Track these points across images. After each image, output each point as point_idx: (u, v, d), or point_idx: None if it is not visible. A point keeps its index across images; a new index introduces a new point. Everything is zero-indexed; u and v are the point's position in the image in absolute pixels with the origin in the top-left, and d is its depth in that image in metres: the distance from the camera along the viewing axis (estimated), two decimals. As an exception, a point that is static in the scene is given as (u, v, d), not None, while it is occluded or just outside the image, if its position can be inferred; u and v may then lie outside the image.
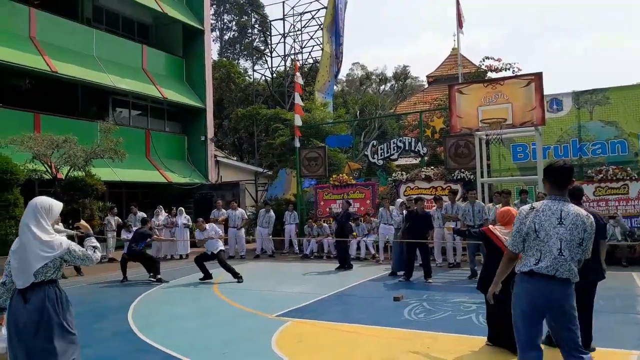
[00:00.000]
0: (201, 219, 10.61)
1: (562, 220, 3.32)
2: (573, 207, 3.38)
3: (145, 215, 14.94)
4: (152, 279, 10.03)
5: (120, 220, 14.49)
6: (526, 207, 3.49)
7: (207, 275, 9.87)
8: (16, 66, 15.20)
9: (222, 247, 10.18)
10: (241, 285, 9.44)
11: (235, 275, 9.75)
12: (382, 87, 34.81)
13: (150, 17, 22.27)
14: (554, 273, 3.28)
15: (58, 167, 14.10)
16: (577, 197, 4.87)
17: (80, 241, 3.90)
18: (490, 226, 5.39)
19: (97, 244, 3.75)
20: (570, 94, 13.08)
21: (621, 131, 12.54)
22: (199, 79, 22.33)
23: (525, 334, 3.37)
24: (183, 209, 15.04)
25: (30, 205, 3.55)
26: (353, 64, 38.01)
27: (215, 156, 22.32)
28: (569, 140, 12.98)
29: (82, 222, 4.00)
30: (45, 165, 13.90)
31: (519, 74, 14.40)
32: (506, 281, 3.71)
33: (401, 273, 9.85)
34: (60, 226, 11.33)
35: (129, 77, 19.16)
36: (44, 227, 3.45)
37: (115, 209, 15.11)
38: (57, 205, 3.62)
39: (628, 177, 11.29)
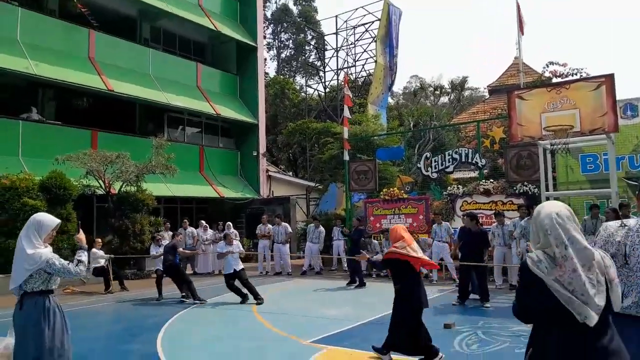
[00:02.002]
0: (234, 231, 10.29)
1: None
2: None
3: (194, 230, 14.93)
4: (185, 299, 9.68)
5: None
6: (615, 223, 2.70)
7: (243, 296, 9.35)
8: (74, 86, 15.76)
9: (242, 266, 9.60)
10: (282, 306, 8.96)
11: (256, 296, 9.21)
12: (440, 100, 33.78)
13: (205, 36, 22.70)
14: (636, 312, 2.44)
15: (111, 182, 14.39)
16: None
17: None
18: (390, 250, 5.29)
19: (84, 259, 3.93)
20: (648, 98, 11.75)
21: None
22: (252, 95, 22.43)
23: None
24: (231, 224, 14.85)
25: (28, 221, 3.86)
26: (411, 76, 37.32)
27: (267, 171, 22.22)
28: (646, 149, 11.63)
29: (80, 234, 4.12)
30: (99, 181, 14.21)
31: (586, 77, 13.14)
32: None
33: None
34: (100, 252, 11.44)
35: (184, 95, 19.48)
36: (31, 241, 3.70)
37: (169, 223, 15.21)
38: (49, 221, 3.84)
39: None
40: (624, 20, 64.98)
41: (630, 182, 11.74)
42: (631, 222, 2.65)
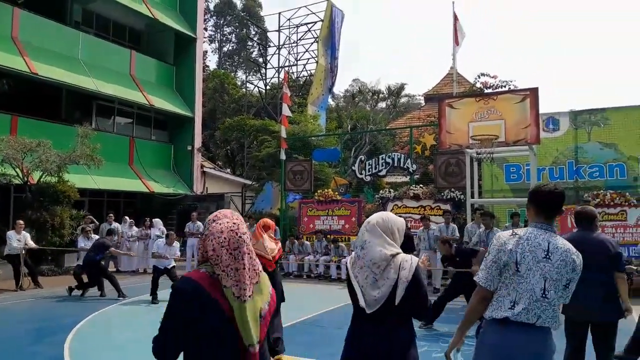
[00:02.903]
0: (173, 233, 9.96)
1: (549, 254, 2.61)
2: (562, 241, 2.70)
3: (119, 226, 14.26)
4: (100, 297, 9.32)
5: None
6: (506, 232, 2.78)
7: (155, 296, 9.10)
8: (-6, 66, 14.63)
9: (174, 264, 9.49)
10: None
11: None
12: (379, 105, 34.38)
13: (142, 23, 21.79)
14: (535, 321, 2.55)
15: (30, 171, 13.46)
16: (590, 223, 4.29)
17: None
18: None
19: None
20: (568, 113, 12.52)
21: (620, 154, 11.95)
22: (189, 88, 21.78)
23: None
24: (160, 220, 14.31)
25: None
26: (353, 80, 37.72)
27: (202, 167, 21.67)
28: (565, 162, 12.38)
29: None
30: (17, 170, 13.26)
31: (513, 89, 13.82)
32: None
33: None
34: (18, 236, 10.63)
35: (115, 83, 18.59)
36: None
37: (90, 217, 14.43)
38: None
39: (627, 203, 10.60)
40: (555, 37, 69.26)
41: (548, 192, 12.44)
42: (521, 231, 2.75)
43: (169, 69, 22.03)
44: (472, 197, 11.33)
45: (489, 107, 10.31)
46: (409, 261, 2.57)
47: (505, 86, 15.58)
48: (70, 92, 18.03)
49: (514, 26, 70.92)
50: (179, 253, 9.83)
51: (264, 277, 1.99)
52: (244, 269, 1.86)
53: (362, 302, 2.53)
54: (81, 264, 9.95)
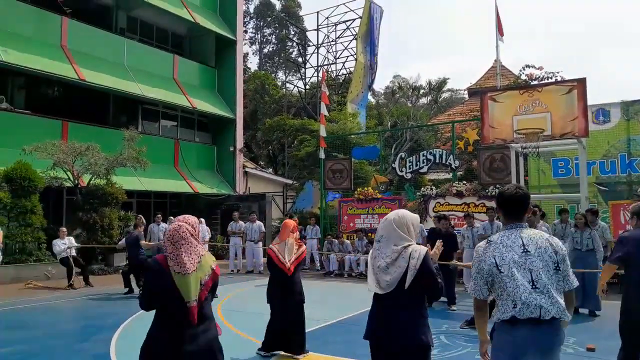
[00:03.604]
0: (206, 227, 10.40)
1: (526, 247, 2.77)
2: (533, 231, 2.87)
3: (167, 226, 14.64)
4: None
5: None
6: (482, 243, 2.96)
7: (130, 289, 9.92)
8: (45, 74, 15.33)
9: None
10: (249, 306, 8.79)
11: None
12: (420, 101, 33.85)
13: (184, 28, 22.32)
14: (538, 314, 2.62)
15: (80, 174, 14.03)
16: None
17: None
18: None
19: None
20: (619, 104, 11.86)
21: (677, 145, 11.23)
22: (230, 90, 22.13)
23: None
24: (203, 220, 14.59)
25: None
26: (394, 76, 37.25)
27: (244, 167, 21.96)
28: (616, 155, 11.73)
29: None
30: (68, 173, 13.85)
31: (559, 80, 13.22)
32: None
33: None
34: (63, 241, 11.03)
35: (159, 87, 19.12)
36: None
37: (142, 217, 14.86)
38: None
39: (686, 197, 9.98)
40: (602, 26, 66.19)
41: (600, 187, 11.86)
42: (495, 237, 2.90)
43: (211, 72, 22.44)
44: (518, 193, 10.92)
45: (534, 99, 9.91)
46: (419, 251, 3.00)
47: (551, 78, 14.90)
48: (116, 97, 18.68)
49: (561, 15, 68.18)
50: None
51: (206, 259, 2.95)
52: (182, 254, 2.83)
53: (375, 286, 3.03)
54: (127, 265, 10.31)
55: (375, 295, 3.11)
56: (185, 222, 2.95)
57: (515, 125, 9.96)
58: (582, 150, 10.09)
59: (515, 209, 2.91)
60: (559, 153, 12.05)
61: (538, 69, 15.43)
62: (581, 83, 9.64)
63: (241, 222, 13.95)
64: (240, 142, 21.83)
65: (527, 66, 15.83)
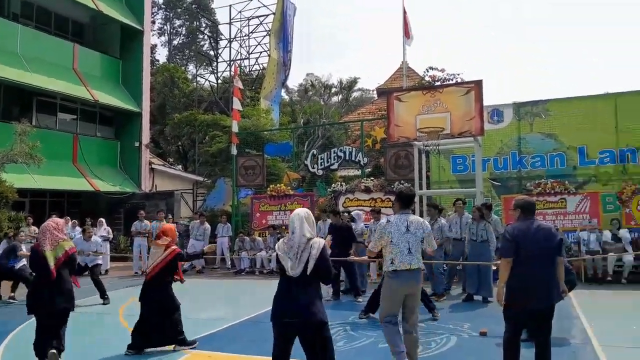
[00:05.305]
0: (89, 227, 9.89)
1: (409, 227, 4.69)
2: (415, 217, 4.84)
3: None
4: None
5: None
6: (384, 219, 4.88)
7: None
8: None
9: (100, 262, 9.48)
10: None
11: (103, 295, 8.99)
12: (333, 99, 34.44)
13: (86, 16, 20.89)
14: (408, 267, 4.60)
15: (-36, 172, 12.70)
16: (532, 212, 4.43)
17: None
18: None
19: None
20: (511, 105, 12.88)
21: (560, 144, 12.40)
22: (136, 82, 21.05)
23: (389, 311, 4.68)
24: (104, 220, 13.81)
25: None
26: (307, 74, 37.50)
27: (151, 163, 21.04)
28: (508, 153, 12.74)
29: None
30: (-52, 170, 12.48)
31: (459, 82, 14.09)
32: None
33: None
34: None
35: (57, 78, 17.77)
36: None
37: (31, 219, 13.74)
38: None
39: (566, 191, 11.04)
40: (498, 29, 71.38)
41: (494, 182, 12.81)
42: (392, 218, 4.81)
43: (115, 63, 21.24)
44: (421, 188, 11.51)
45: (435, 99, 10.47)
46: (318, 242, 3.74)
47: (452, 79, 15.87)
48: (8, 87, 17.10)
49: (464, 20, 72.61)
50: (98, 248, 9.58)
51: (62, 244, 5.04)
52: (44, 240, 4.99)
53: (290, 270, 3.65)
54: None
55: (282, 279, 3.78)
56: (52, 222, 5.18)
57: (418, 124, 10.46)
58: (478, 148, 10.82)
59: (407, 201, 4.85)
60: (457, 150, 12.83)
61: (440, 70, 16.33)
62: (478, 85, 10.33)
63: (147, 222, 13.35)
64: (146, 137, 20.87)
65: (431, 68, 16.69)
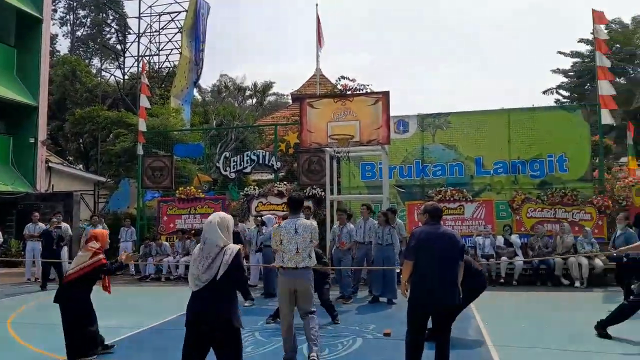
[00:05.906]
0: None
1: (297, 230, 5.16)
2: (303, 221, 5.28)
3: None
4: None
5: None
6: (276, 225, 5.50)
7: None
8: None
9: None
10: (47, 319, 7.85)
11: None
12: (247, 102, 34.07)
13: (-25, -2, 18.95)
14: (296, 265, 5.11)
15: None
16: (438, 217, 4.74)
17: None
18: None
19: None
20: (416, 117, 13.59)
21: (459, 154, 13.27)
22: (33, 73, 19.42)
23: (284, 310, 5.22)
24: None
25: None
26: (221, 75, 36.72)
27: (48, 162, 19.53)
28: (413, 161, 13.43)
29: None
30: None
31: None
32: None
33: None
34: None
35: (-64, 64, 15.97)
36: None
37: None
38: None
39: (464, 199, 11.88)
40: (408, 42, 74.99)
41: (399, 189, 13.45)
42: (283, 223, 5.31)
43: (9, 51, 19.46)
44: (332, 193, 11.79)
45: (346, 108, 10.80)
46: (232, 249, 3.63)
47: (362, 89, 16.37)
48: None
49: (384, 28, 75.40)
50: None
51: None
52: None
53: (192, 285, 3.60)
54: None
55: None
56: None
57: (330, 130, 10.72)
58: (385, 156, 11.31)
59: (295, 205, 5.37)
60: (366, 158, 13.31)
61: (352, 80, 16.74)
62: (385, 96, 10.80)
63: (41, 224, 12.38)
64: (43, 133, 19.33)
65: (343, 77, 17.07)
